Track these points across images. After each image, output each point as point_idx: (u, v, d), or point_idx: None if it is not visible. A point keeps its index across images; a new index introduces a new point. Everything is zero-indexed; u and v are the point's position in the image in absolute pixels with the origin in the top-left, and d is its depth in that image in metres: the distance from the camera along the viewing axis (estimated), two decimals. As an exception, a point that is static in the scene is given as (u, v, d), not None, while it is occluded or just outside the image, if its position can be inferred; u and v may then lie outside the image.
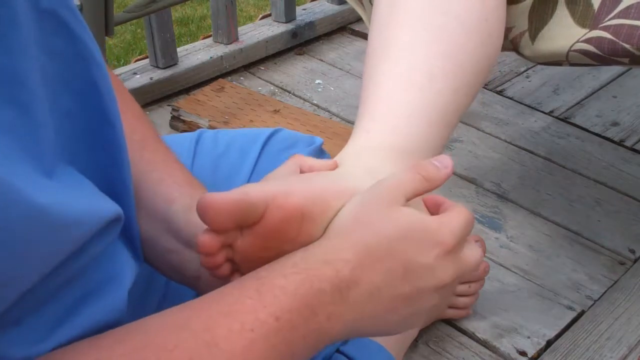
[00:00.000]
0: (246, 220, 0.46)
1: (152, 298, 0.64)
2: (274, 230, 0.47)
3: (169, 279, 0.56)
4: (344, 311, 0.46)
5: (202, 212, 0.45)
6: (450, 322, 1.00)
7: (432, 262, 0.48)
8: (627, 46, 0.77)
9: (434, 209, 0.53)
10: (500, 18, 0.67)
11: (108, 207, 0.44)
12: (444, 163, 0.51)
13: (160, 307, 0.65)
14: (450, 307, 0.98)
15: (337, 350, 0.78)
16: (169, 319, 0.43)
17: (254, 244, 0.48)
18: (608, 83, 1.58)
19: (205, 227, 0.47)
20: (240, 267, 0.49)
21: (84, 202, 0.41)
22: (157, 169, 0.56)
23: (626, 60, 0.79)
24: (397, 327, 0.50)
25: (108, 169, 0.48)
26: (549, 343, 0.98)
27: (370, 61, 0.64)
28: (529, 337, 0.98)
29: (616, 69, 1.61)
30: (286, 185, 0.49)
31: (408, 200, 0.49)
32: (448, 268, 0.49)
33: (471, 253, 0.51)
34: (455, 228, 0.49)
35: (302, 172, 0.54)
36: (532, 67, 1.63)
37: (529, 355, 0.95)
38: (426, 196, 0.54)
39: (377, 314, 0.48)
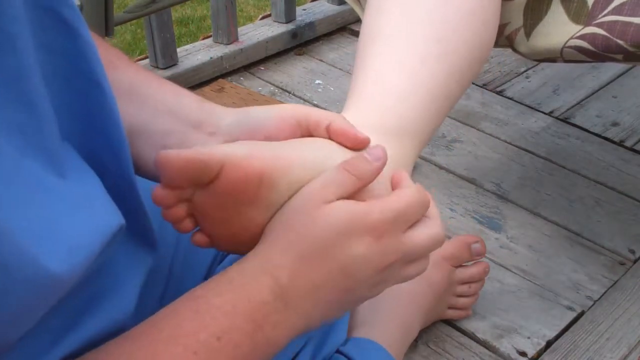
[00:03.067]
0: (199, 179, 0.46)
1: (152, 297, 0.64)
2: (228, 191, 0.47)
3: (149, 176, 0.54)
4: (288, 317, 0.46)
5: (158, 166, 0.45)
6: (450, 323, 1.00)
7: (365, 251, 0.47)
8: (620, 42, 0.77)
9: (394, 185, 0.52)
10: (496, 8, 0.67)
11: (112, 220, 0.43)
12: (376, 155, 0.50)
13: (160, 306, 0.65)
14: (450, 307, 0.98)
15: (337, 351, 0.78)
16: (113, 352, 0.43)
17: (210, 201, 0.47)
18: (608, 83, 1.58)
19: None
20: (200, 224, 0.49)
21: (92, 219, 0.41)
22: (158, 78, 0.57)
23: (620, 56, 0.79)
24: (340, 313, 0.51)
25: (111, 160, 0.48)
26: (549, 343, 0.98)
27: (362, 44, 0.63)
28: (528, 338, 0.98)
29: (616, 69, 1.60)
30: (250, 149, 0.48)
31: (340, 199, 0.48)
32: (385, 253, 0.48)
33: (418, 232, 0.50)
34: (386, 210, 0.48)
35: (304, 135, 0.53)
36: (532, 68, 1.63)
37: (529, 356, 0.95)
38: (395, 172, 0.53)
39: (321, 310, 0.48)
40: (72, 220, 0.39)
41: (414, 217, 0.50)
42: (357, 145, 0.52)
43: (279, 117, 0.52)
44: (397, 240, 0.49)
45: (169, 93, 0.55)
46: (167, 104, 0.54)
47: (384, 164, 0.50)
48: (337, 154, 0.51)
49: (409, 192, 0.50)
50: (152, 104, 0.54)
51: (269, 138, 0.51)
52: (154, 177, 0.54)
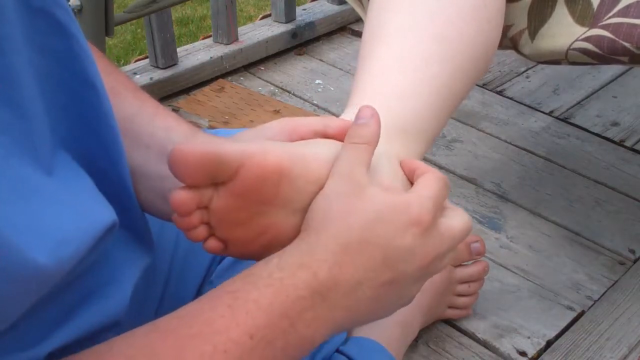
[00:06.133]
0: (219, 175, 0.45)
1: (151, 297, 0.64)
2: (249, 188, 0.45)
3: (156, 214, 0.54)
4: (325, 313, 0.45)
5: (173, 163, 0.43)
6: (450, 322, 1.00)
7: (411, 243, 0.46)
8: (626, 45, 0.77)
9: (409, 174, 0.52)
10: (500, 6, 0.66)
11: (103, 216, 0.43)
12: (367, 115, 0.49)
13: (159, 306, 0.65)
14: (450, 307, 0.98)
15: (337, 350, 0.78)
16: (136, 343, 0.42)
17: (229, 203, 0.46)
18: (608, 83, 1.58)
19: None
20: (216, 230, 0.47)
21: (80, 215, 0.41)
22: (151, 105, 0.55)
23: (626, 58, 0.79)
24: (386, 312, 0.50)
25: (105, 162, 0.48)
26: (549, 343, 0.98)
27: (366, 44, 0.63)
28: (529, 338, 0.98)
29: (616, 69, 1.60)
30: (265, 145, 0.47)
31: (367, 169, 0.47)
32: (428, 245, 0.47)
33: (453, 222, 0.49)
34: (426, 201, 0.47)
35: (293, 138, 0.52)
36: (532, 67, 1.63)
37: (529, 356, 0.95)
38: (404, 160, 0.52)
39: (361, 306, 0.47)
40: (58, 216, 0.38)
41: (444, 200, 0.50)
42: None
43: (268, 136, 0.52)
44: (439, 232, 0.48)
45: (159, 128, 0.53)
46: (158, 142, 0.52)
47: (378, 119, 0.49)
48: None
49: (433, 176, 0.49)
50: (144, 142, 0.52)
51: None
52: (156, 215, 0.54)
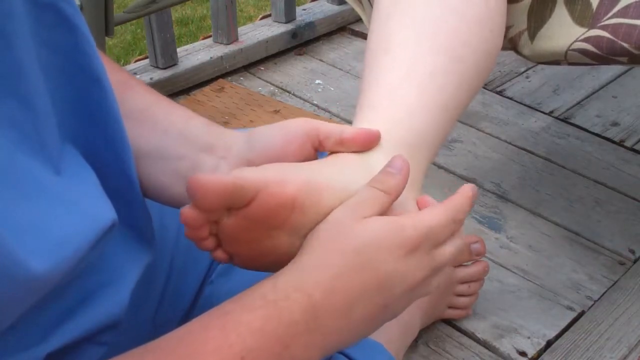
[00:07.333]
0: (234, 203, 0.46)
1: (151, 296, 0.64)
2: (261, 216, 0.47)
3: (168, 201, 0.54)
4: (319, 337, 0.45)
5: (191, 191, 0.44)
6: (450, 323, 1.00)
7: (403, 266, 0.47)
8: (625, 45, 0.77)
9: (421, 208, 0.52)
10: (502, 15, 0.66)
11: (104, 216, 0.43)
12: (397, 167, 0.50)
13: (159, 305, 0.65)
14: (450, 307, 0.98)
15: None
16: None
17: (239, 225, 0.47)
18: (608, 83, 1.58)
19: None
20: (223, 243, 0.49)
21: (82, 215, 0.41)
22: (166, 99, 0.56)
23: (625, 59, 0.79)
24: (371, 331, 0.50)
25: (110, 156, 0.48)
26: (549, 343, 0.98)
27: (371, 54, 0.63)
28: (529, 338, 0.98)
29: (616, 69, 1.60)
30: (282, 174, 0.48)
31: (377, 212, 0.48)
32: (418, 268, 0.48)
33: (448, 246, 0.50)
34: (419, 223, 0.48)
35: (315, 148, 0.53)
36: (532, 68, 1.63)
37: (529, 356, 0.95)
38: (420, 198, 0.53)
39: (351, 329, 0.47)
40: (60, 216, 0.38)
41: (444, 237, 0.50)
42: (372, 142, 0.53)
43: (288, 133, 0.52)
44: (429, 256, 0.49)
45: (177, 116, 0.55)
46: (177, 128, 0.54)
47: (407, 173, 0.50)
48: (360, 175, 0.51)
49: (441, 211, 0.50)
50: (162, 127, 0.54)
51: (279, 155, 0.51)
52: (165, 201, 0.54)
